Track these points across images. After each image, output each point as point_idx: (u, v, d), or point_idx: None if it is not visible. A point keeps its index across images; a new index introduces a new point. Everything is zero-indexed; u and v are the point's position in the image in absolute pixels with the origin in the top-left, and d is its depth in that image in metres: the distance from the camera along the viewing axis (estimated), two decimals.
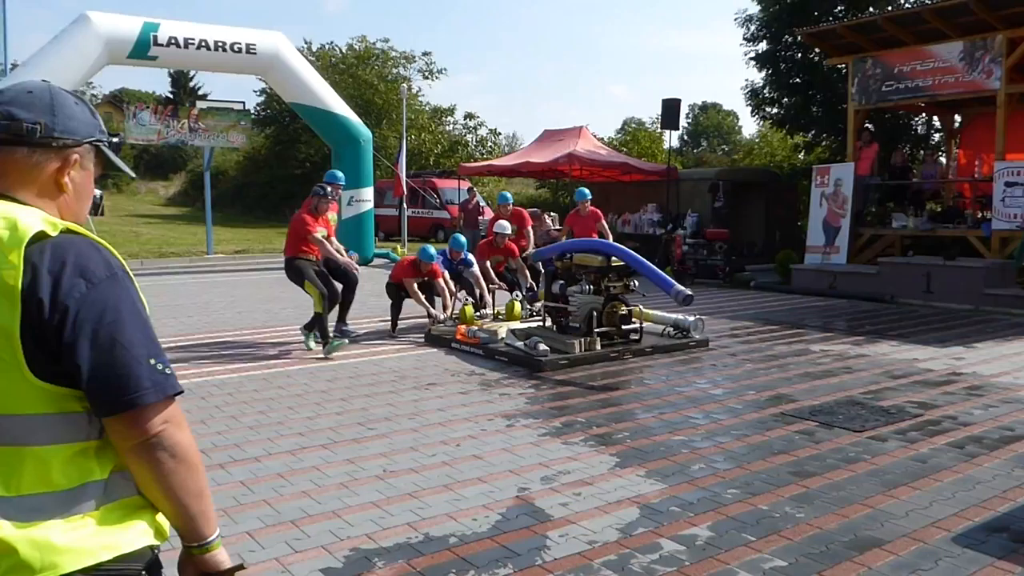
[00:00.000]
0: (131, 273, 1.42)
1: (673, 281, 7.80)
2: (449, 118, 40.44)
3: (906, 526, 3.71)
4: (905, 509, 3.91)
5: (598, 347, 7.46)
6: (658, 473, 4.45)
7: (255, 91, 39.24)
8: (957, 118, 17.85)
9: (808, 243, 14.96)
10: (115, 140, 1.56)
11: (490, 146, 40.63)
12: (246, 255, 21.14)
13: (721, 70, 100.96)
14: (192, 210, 37.32)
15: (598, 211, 10.86)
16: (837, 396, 6.17)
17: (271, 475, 4.45)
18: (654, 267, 7.94)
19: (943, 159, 18.02)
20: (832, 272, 13.49)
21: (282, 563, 3.37)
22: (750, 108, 22.21)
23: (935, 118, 19.38)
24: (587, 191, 10.98)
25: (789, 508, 3.93)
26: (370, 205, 18.44)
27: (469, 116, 40.96)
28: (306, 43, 38.04)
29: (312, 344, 8.06)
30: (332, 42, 38.67)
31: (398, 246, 20.86)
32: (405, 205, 21.94)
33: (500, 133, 44.20)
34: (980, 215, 13.99)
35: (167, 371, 1.38)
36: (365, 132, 18.48)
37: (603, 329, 7.62)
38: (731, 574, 3.26)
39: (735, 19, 21.48)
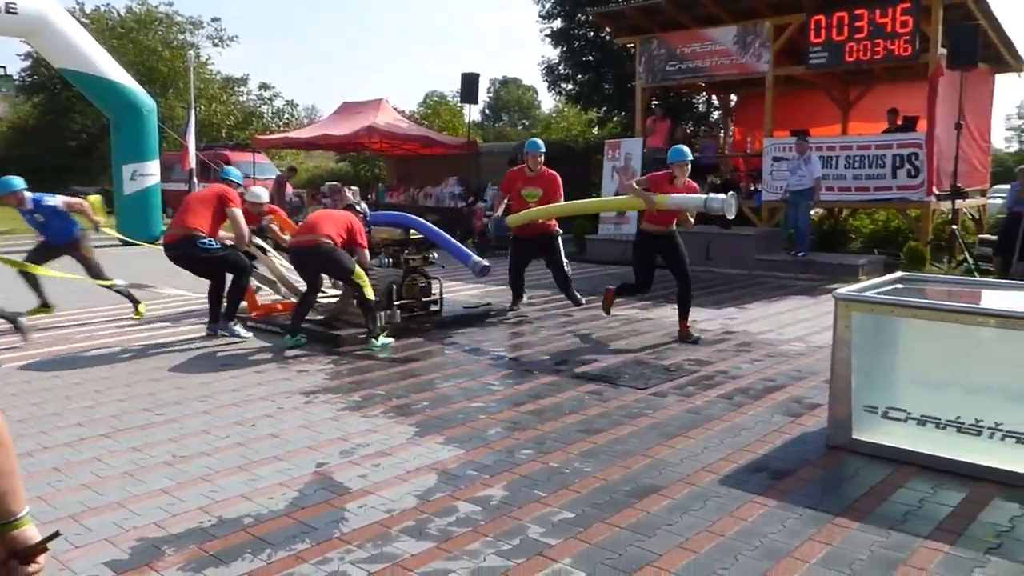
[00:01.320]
0: None
1: (471, 252, 7.96)
2: (242, 88, 38.71)
3: (681, 472, 4.03)
4: (680, 457, 4.24)
5: (398, 319, 7.47)
6: (456, 440, 4.55)
7: (19, 55, 35.72)
8: (733, 97, 19.25)
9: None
10: None
11: (287, 118, 39.31)
12: (14, 235, 19.26)
13: (521, 46, 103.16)
14: None
15: (554, 173, 8.66)
16: (625, 357, 6.56)
17: (45, 470, 4.14)
18: (451, 239, 8.05)
19: (721, 135, 19.40)
20: (623, 241, 14.22)
21: (61, 560, 3.15)
22: (547, 84, 22.88)
23: (714, 97, 20.80)
24: (539, 142, 8.69)
25: (578, 463, 4.15)
26: (156, 179, 17.39)
27: (264, 87, 39.51)
28: (78, 4, 35.01)
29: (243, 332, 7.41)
30: (109, 4, 35.82)
31: None
32: (195, 180, 20.81)
33: (298, 105, 42.93)
34: (753, 187, 15.22)
35: None
36: (148, 102, 17.33)
37: (403, 302, 7.64)
38: (523, 529, 3.40)
39: None
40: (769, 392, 5.51)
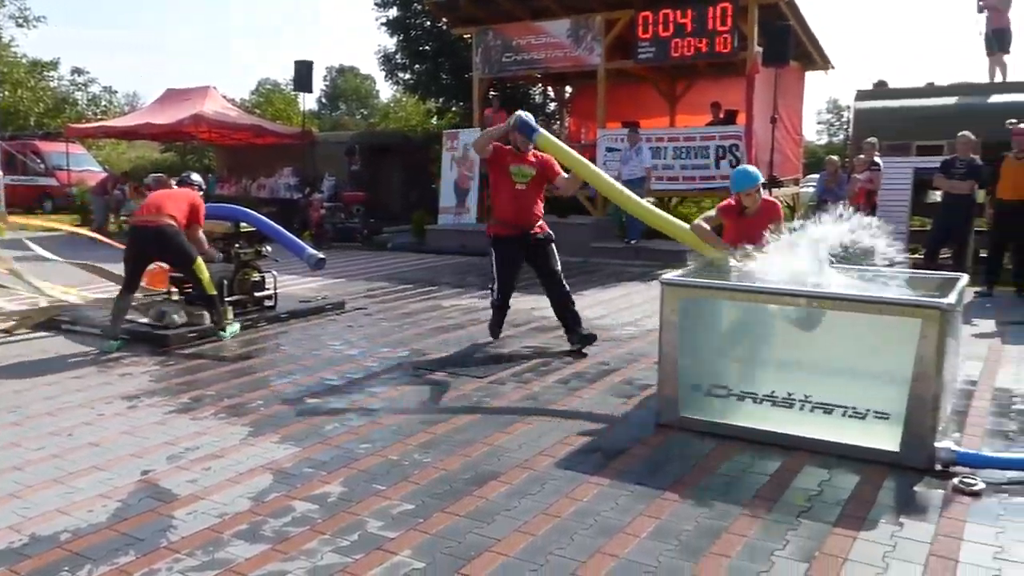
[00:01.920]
0: None
1: (305, 245, 7.77)
2: (52, 73, 35.88)
3: (519, 457, 4.09)
4: (519, 443, 4.31)
5: (230, 317, 7.18)
6: (292, 438, 4.42)
7: None
8: (568, 89, 19.73)
9: (441, 204, 15.69)
10: None
11: (104, 105, 36.86)
12: None
13: (358, 34, 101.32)
14: None
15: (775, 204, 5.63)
16: (464, 347, 6.58)
17: None
18: (285, 232, 7.82)
19: (557, 126, 19.82)
20: (464, 232, 14.29)
21: None
22: (384, 73, 22.61)
23: (550, 89, 21.22)
24: (754, 173, 5.58)
25: (417, 455, 4.13)
26: None
27: (77, 71, 36.82)
28: None
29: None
30: None
31: None
32: (0, 172, 19.19)
33: (117, 91, 40.36)
34: None
35: None
36: None
37: (235, 298, 7.35)
38: (362, 524, 3.35)
39: None
40: (603, 375, 5.69)
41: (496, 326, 6.70)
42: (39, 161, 23.99)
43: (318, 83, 49.60)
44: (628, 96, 16.95)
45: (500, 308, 6.60)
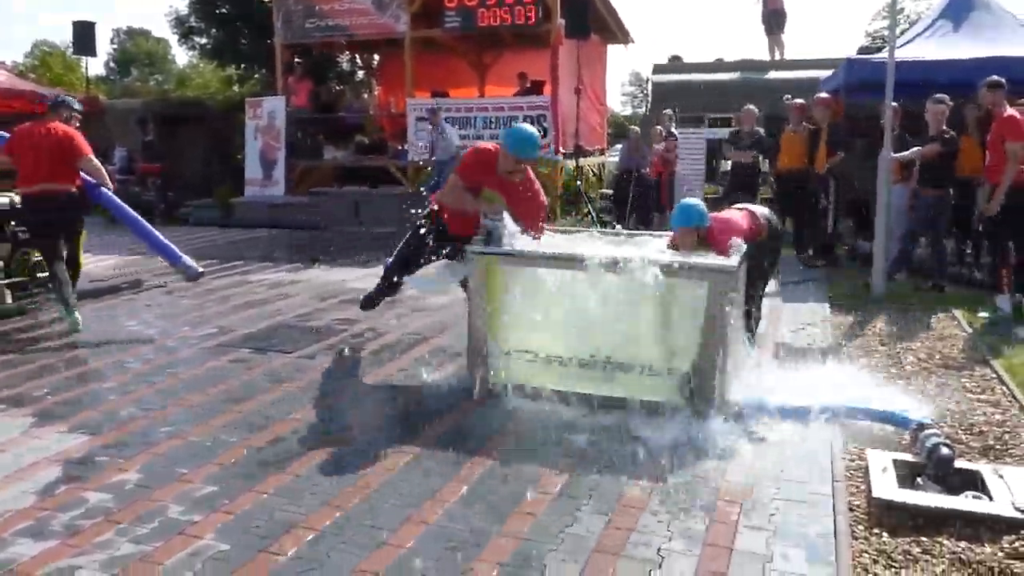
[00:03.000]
0: None
1: (180, 253, 7.16)
2: None
3: (329, 430, 4.06)
4: (328, 415, 4.28)
5: (9, 300, 6.59)
6: (84, 426, 4.14)
7: None
8: (376, 57, 19.39)
9: (247, 176, 15.06)
10: None
11: None
12: None
13: None
14: None
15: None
16: (272, 322, 6.40)
17: None
18: (157, 234, 7.24)
19: (367, 95, 19.47)
20: (271, 204, 13.80)
21: None
22: (177, 37, 21.28)
23: (357, 57, 20.78)
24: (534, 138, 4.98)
25: (223, 435, 4.00)
26: None
27: None
28: None
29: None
30: None
31: None
32: None
33: None
34: (399, 147, 15.52)
35: None
36: None
37: (15, 280, 6.75)
38: (164, 509, 3.21)
39: None
40: (415, 345, 5.71)
41: (377, 299, 5.81)
42: None
43: (103, 46, 46.00)
44: (437, 66, 16.90)
45: (396, 285, 5.69)
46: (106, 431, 4.07)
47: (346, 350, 5.58)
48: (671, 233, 4.89)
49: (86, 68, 17.59)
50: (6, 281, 6.64)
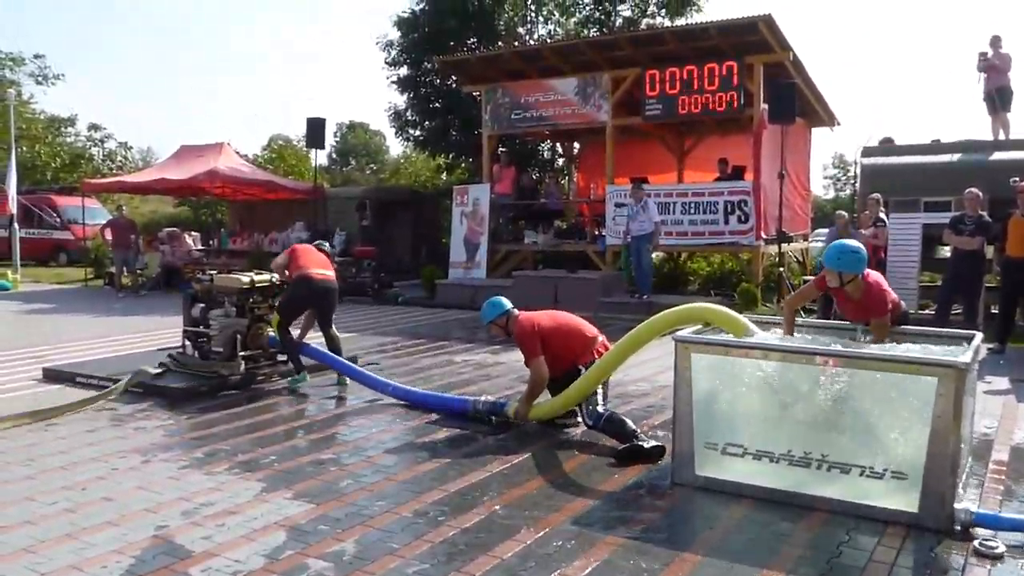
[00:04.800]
0: None
1: (387, 381, 6.94)
2: (70, 129, 36.60)
3: (535, 515, 4.05)
4: (534, 500, 4.28)
5: (242, 371, 7.20)
6: (306, 494, 4.41)
7: None
8: (576, 145, 19.98)
9: (451, 259, 15.80)
10: None
11: (120, 161, 37.46)
12: None
13: (368, 91, 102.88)
14: None
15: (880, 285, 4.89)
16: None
17: None
18: (363, 371, 7.22)
19: (565, 182, 20.04)
20: (473, 286, 14.35)
21: None
22: (394, 129, 22.93)
23: (558, 144, 21.50)
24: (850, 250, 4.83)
25: (432, 512, 4.11)
26: None
27: (94, 127, 37.50)
28: None
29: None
30: None
31: (9, 271, 18.42)
32: (16, 225, 19.44)
33: (132, 147, 41.03)
34: (597, 232, 15.78)
35: None
36: None
37: (248, 352, 7.38)
38: None
39: (377, 43, 22.05)
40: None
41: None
42: (55, 215, 24.32)
43: (329, 139, 50.18)
44: (636, 152, 17.16)
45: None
46: (326, 500, 4.30)
47: (554, 431, 5.62)
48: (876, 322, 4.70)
49: (315, 159, 19.28)
50: (243, 353, 7.26)
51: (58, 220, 24.35)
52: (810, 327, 5.38)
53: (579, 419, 5.56)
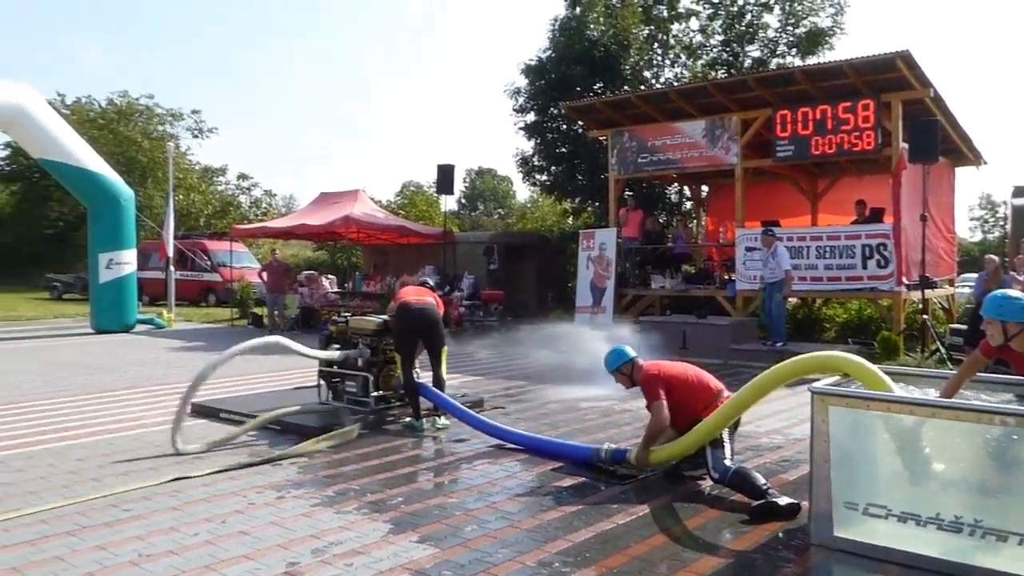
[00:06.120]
0: None
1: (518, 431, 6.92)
2: (221, 178, 39.12)
3: (662, 571, 3.94)
4: (661, 555, 4.16)
5: (373, 411, 7.38)
6: (431, 537, 4.44)
7: None
8: (705, 188, 19.71)
9: (577, 303, 15.79)
10: None
11: (265, 207, 39.65)
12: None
13: (497, 137, 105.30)
14: None
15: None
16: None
17: (4, 570, 3.98)
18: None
19: (692, 225, 19.75)
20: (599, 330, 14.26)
21: None
22: (521, 175, 23.31)
23: (686, 188, 21.28)
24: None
25: (557, 563, 4.06)
26: (132, 268, 17.33)
27: (243, 176, 39.87)
28: (59, 96, 35.55)
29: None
30: (90, 96, 36.52)
31: (164, 311, 19.67)
32: (172, 268, 20.79)
33: (276, 194, 43.41)
34: (726, 277, 15.44)
35: None
36: (126, 191, 17.43)
37: (379, 393, 7.56)
38: None
39: (504, 91, 22.57)
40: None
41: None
42: (206, 258, 25.89)
43: (458, 184, 51.49)
44: (767, 194, 16.77)
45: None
46: (451, 546, 4.31)
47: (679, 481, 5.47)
48: None
49: (444, 205, 19.81)
50: (374, 394, 7.46)
51: (209, 263, 25.90)
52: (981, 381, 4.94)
53: (705, 472, 5.38)
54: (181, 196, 32.44)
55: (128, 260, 17.20)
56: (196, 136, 38.08)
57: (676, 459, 5.58)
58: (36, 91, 16.13)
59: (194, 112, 38.11)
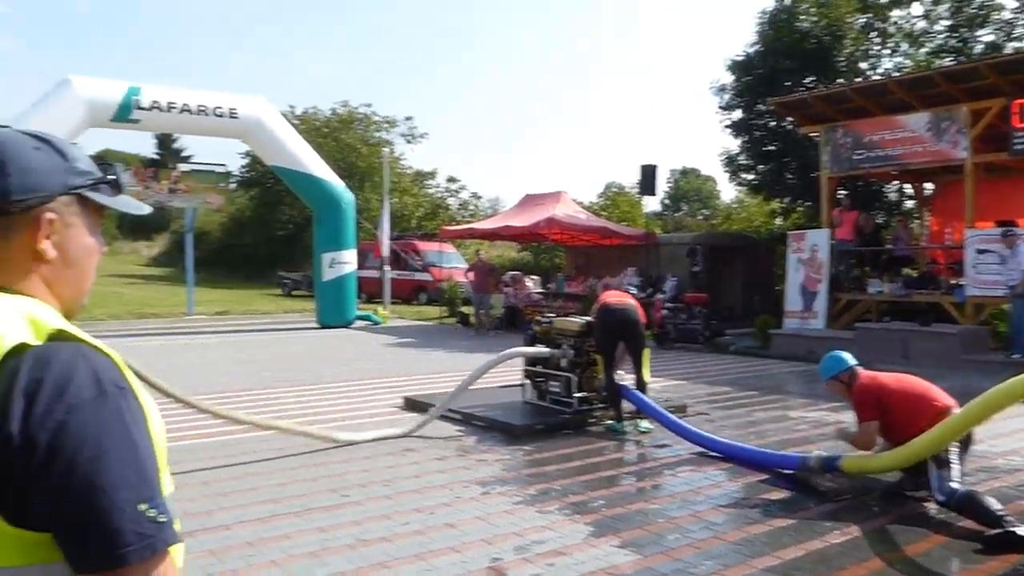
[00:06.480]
0: (132, 384, 1.10)
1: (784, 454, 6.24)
2: (431, 181, 40.97)
3: None
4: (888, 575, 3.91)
5: (576, 411, 7.45)
6: (633, 543, 4.41)
7: (239, 153, 39.72)
8: (928, 186, 18.25)
9: (786, 308, 15.11)
10: (110, 177, 1.23)
11: (472, 209, 41.10)
12: (227, 316, 21.08)
13: (700, 136, 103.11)
14: (175, 271, 37.38)
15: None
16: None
17: (240, 544, 4.38)
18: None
19: (913, 225, 18.33)
20: (810, 337, 13.58)
21: None
22: (727, 174, 22.65)
23: (906, 185, 19.80)
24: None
25: None
26: (352, 267, 18.53)
27: (451, 179, 41.56)
28: (291, 107, 38.66)
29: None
30: (315, 106, 39.44)
31: (380, 308, 20.87)
32: (387, 267, 22.03)
33: (482, 196, 44.85)
34: (954, 281, 14.21)
35: (161, 518, 1.03)
36: (347, 195, 18.65)
37: (581, 394, 7.62)
38: None
39: (710, 88, 22.03)
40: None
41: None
42: (417, 258, 27.22)
43: (661, 185, 50.95)
44: (1003, 191, 15.23)
45: None
46: (652, 553, 4.26)
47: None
48: None
49: (646, 205, 19.66)
50: (577, 395, 7.53)
51: (420, 263, 27.21)
52: None
53: (929, 494, 4.97)
54: (395, 199, 34.26)
55: (348, 260, 18.39)
56: (409, 142, 40.15)
57: (884, 471, 5.22)
58: (271, 104, 17.66)
59: (407, 119, 40.20)
